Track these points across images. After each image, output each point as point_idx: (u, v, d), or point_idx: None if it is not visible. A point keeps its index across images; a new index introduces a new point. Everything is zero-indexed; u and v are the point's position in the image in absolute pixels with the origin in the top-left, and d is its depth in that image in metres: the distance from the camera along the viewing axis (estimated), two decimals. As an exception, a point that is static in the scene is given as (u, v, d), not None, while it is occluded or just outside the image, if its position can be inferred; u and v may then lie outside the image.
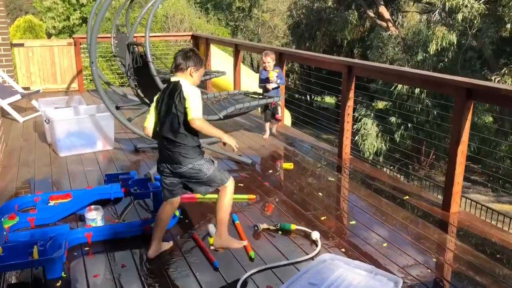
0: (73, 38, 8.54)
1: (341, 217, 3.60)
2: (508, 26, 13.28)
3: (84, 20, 25.14)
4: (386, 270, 2.75)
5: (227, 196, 2.86)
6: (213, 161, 2.85)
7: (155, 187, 3.51)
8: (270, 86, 5.38)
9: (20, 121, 6.44)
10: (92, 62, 4.39)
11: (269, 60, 5.37)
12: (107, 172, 4.35)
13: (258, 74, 6.02)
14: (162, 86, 5.25)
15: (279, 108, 5.51)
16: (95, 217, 3.25)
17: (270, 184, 4.24)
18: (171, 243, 3.07)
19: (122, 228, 3.21)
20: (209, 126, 2.76)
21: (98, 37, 9.55)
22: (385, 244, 3.12)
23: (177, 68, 2.81)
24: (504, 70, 13.55)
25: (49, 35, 24.87)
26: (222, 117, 4.45)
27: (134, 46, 4.56)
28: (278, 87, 5.45)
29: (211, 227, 3.24)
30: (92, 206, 3.33)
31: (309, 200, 3.88)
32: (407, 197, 3.95)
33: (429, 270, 2.82)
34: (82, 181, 4.25)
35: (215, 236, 2.94)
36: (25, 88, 7.67)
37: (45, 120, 5.04)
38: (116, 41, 6.91)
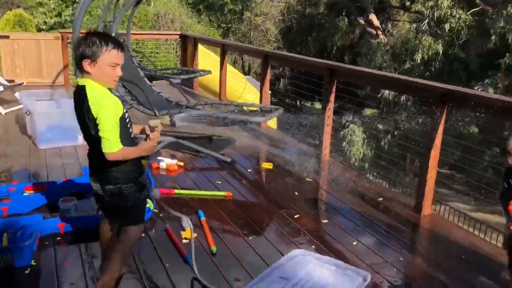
0: (60, 32, 8.50)
1: (314, 216, 3.64)
2: (493, 38, 13.45)
3: (76, 17, 24.96)
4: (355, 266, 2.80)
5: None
6: None
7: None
8: None
9: (2, 113, 6.40)
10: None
11: None
12: (85, 165, 4.34)
13: (242, 74, 5.98)
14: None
15: None
16: (69, 207, 3.26)
17: (248, 182, 4.28)
18: None
19: (95, 220, 3.22)
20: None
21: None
22: (354, 243, 3.17)
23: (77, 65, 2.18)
24: (486, 80, 13.71)
25: (39, 30, 24.63)
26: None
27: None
28: None
29: (185, 220, 3.27)
30: (67, 197, 3.34)
31: (285, 198, 3.91)
32: (381, 198, 4.00)
33: (395, 269, 2.86)
34: (60, 174, 4.24)
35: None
36: (9, 81, 7.59)
37: (25, 112, 5.03)
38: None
